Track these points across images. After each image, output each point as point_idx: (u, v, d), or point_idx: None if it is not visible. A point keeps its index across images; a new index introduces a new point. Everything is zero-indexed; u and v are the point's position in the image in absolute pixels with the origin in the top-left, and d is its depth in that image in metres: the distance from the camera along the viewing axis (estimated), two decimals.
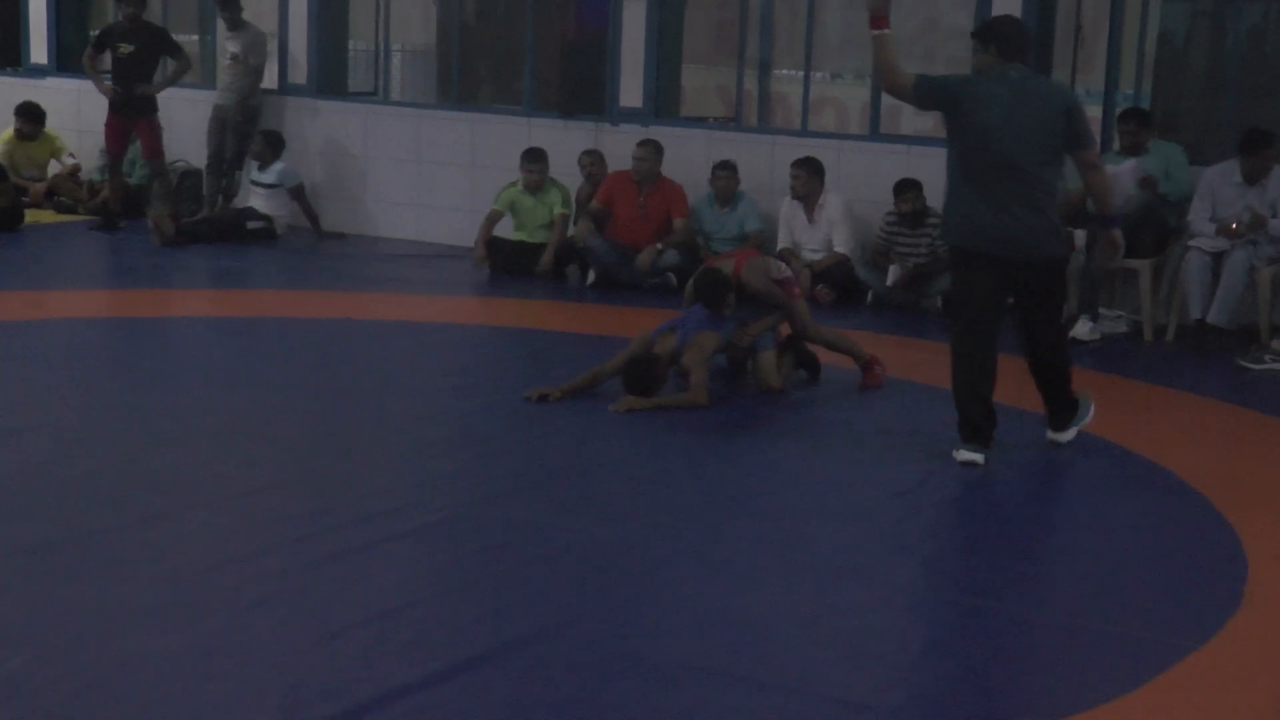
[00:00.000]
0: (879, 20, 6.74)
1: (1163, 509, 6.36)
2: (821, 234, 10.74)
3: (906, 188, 10.35)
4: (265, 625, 4.76)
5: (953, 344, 6.93)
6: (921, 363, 8.74)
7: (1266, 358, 8.86)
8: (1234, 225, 9.35)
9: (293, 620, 4.81)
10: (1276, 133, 9.53)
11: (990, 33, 6.96)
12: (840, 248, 10.62)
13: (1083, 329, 9.58)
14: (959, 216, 6.85)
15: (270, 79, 12.95)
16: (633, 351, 7.75)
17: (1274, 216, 9.43)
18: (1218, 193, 9.56)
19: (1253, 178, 9.45)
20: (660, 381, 7.61)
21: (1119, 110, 10.27)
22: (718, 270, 8.03)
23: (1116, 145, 10.11)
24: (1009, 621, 5.04)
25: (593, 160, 11.46)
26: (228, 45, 12.69)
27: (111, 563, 5.25)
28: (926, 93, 6.88)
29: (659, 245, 10.82)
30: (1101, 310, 9.89)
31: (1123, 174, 9.41)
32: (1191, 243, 9.51)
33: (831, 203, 10.67)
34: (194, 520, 5.70)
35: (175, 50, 12.37)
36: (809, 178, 10.67)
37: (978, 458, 6.76)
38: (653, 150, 11.02)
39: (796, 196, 10.74)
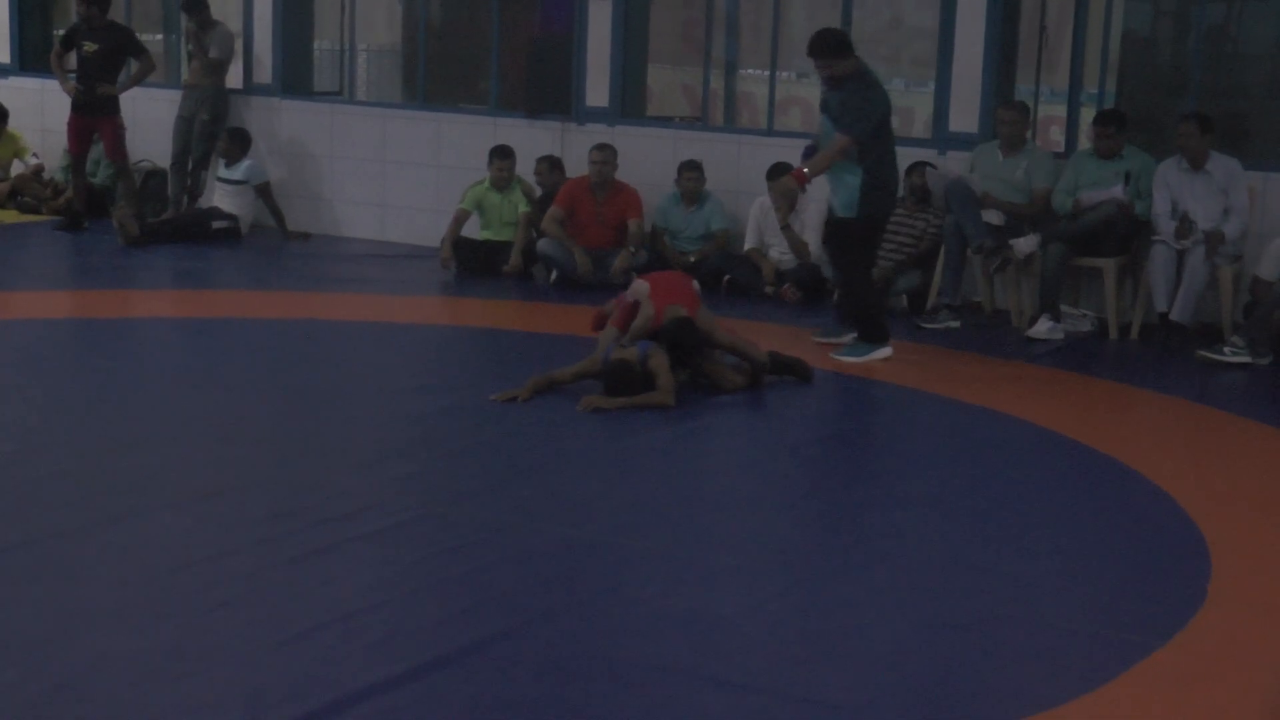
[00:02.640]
0: (801, 177, 8.69)
1: (1128, 507, 6.38)
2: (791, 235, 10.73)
3: (918, 164, 10.39)
4: (230, 627, 4.74)
5: (866, 282, 9.05)
6: (889, 363, 8.75)
7: (1227, 349, 8.91)
8: (1190, 237, 9.39)
9: (257, 622, 4.79)
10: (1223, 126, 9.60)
11: (847, 43, 8.72)
12: (813, 249, 10.62)
13: (1042, 327, 9.60)
14: (884, 190, 8.77)
15: (235, 78, 12.90)
16: (584, 369, 7.71)
17: (1226, 207, 9.48)
18: (1171, 184, 9.60)
19: (1196, 163, 9.48)
20: (639, 384, 7.58)
21: (1096, 112, 10.31)
22: (687, 320, 7.90)
23: (1089, 147, 10.15)
24: (974, 620, 5.04)
25: (549, 168, 11.48)
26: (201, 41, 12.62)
27: (74, 564, 5.22)
28: (873, 123, 8.59)
29: (631, 249, 10.82)
30: (1067, 309, 9.92)
31: (1107, 197, 9.59)
32: (1155, 238, 9.55)
33: (812, 210, 10.62)
34: (158, 522, 5.68)
35: (139, 51, 12.30)
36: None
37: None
38: (611, 154, 11.01)
39: (778, 208, 10.71)
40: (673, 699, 4.34)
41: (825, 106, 8.78)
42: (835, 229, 8.98)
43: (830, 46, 8.67)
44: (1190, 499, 6.38)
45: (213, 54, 12.55)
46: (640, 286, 8.24)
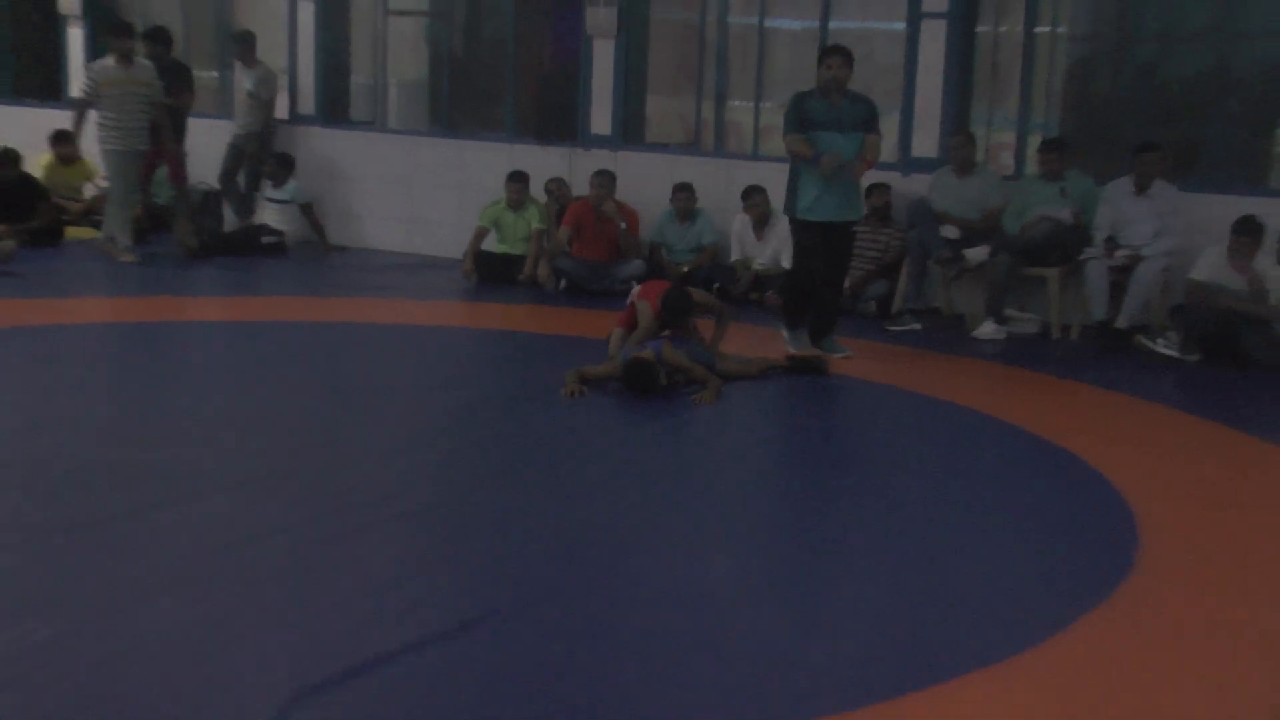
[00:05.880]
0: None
1: (1068, 488, 6.39)
2: (770, 248, 10.78)
3: (876, 186, 10.40)
4: (273, 597, 4.76)
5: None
6: (862, 361, 8.77)
7: (1160, 341, 8.97)
8: (1117, 253, 9.46)
9: (298, 593, 4.81)
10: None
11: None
12: (787, 264, 10.64)
13: (986, 329, 9.63)
14: None
15: (281, 109, 12.92)
16: (608, 372, 7.75)
17: (1160, 229, 9.51)
18: (1115, 204, 9.64)
19: (1140, 186, 9.53)
20: (657, 378, 7.59)
21: (1044, 139, 10.35)
22: (681, 291, 8.14)
23: (1035, 172, 10.17)
24: (936, 587, 5.06)
25: (559, 186, 11.55)
26: (243, 83, 12.67)
27: (134, 542, 5.23)
28: None
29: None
30: (1014, 313, 9.96)
31: (1062, 215, 9.61)
32: (1089, 254, 9.59)
33: (781, 224, 10.66)
34: (209, 504, 5.68)
35: (182, 88, 12.22)
36: (766, 201, 10.75)
37: None
38: (610, 180, 11.05)
39: (757, 220, 10.78)
40: (669, 664, 4.35)
41: (827, 122, 8.41)
42: (843, 232, 8.66)
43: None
44: (1122, 480, 6.40)
45: (264, 95, 12.57)
46: (636, 292, 8.36)
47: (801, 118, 8.43)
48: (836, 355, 8.61)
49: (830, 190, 8.40)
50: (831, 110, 8.40)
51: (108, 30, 11.86)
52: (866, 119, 8.43)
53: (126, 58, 11.45)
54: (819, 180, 8.37)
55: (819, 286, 8.67)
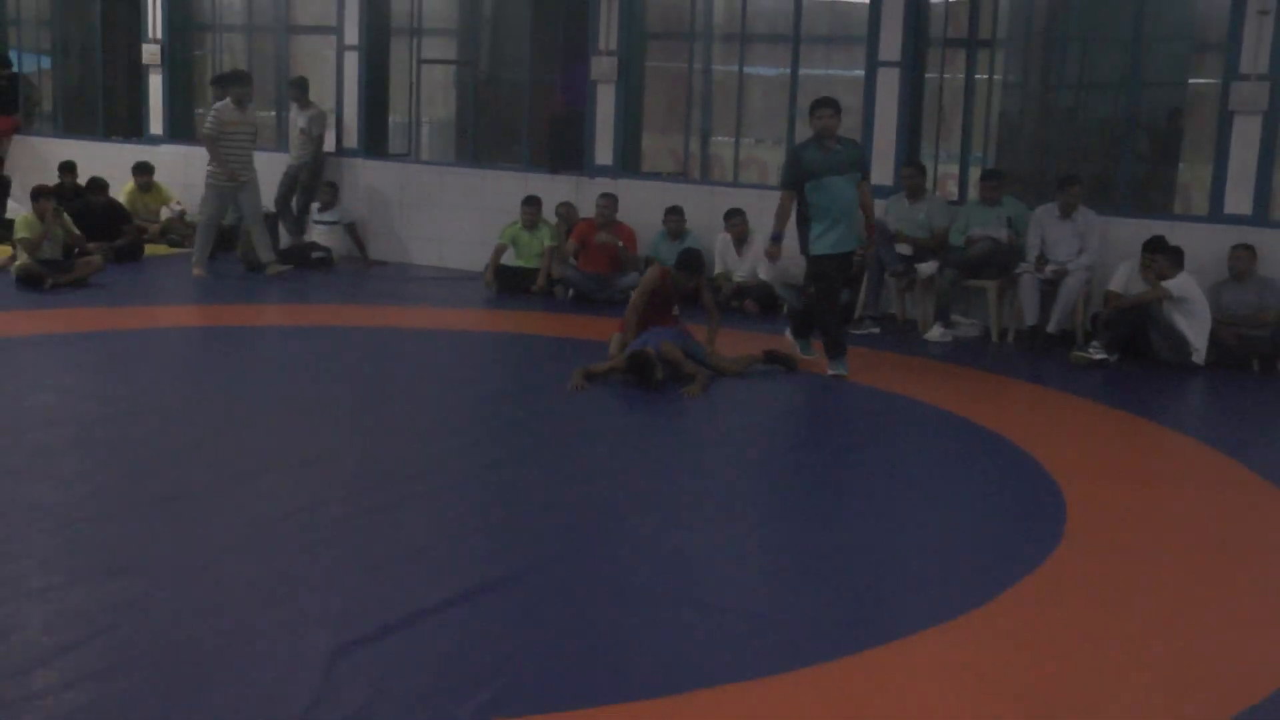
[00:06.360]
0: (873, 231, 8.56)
1: (1003, 469, 6.38)
2: (748, 264, 10.75)
3: None
4: (325, 560, 4.75)
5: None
6: (828, 361, 8.74)
7: (1091, 349, 8.92)
8: (1046, 268, 9.45)
9: (346, 556, 4.80)
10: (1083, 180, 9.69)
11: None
12: (764, 275, 10.63)
13: (935, 333, 9.61)
14: None
15: (329, 143, 12.87)
16: (613, 366, 7.74)
17: (1081, 248, 9.51)
18: (1044, 227, 9.63)
19: (1065, 212, 9.53)
20: (655, 370, 7.55)
21: (983, 170, 10.36)
22: (696, 251, 8.51)
23: (976, 198, 10.16)
24: (889, 554, 5.06)
25: (567, 209, 11.53)
26: (297, 121, 12.62)
27: (208, 512, 5.22)
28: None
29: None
30: (958, 318, 9.93)
31: (999, 235, 9.69)
32: (1022, 269, 9.59)
33: (758, 241, 10.65)
34: (269, 480, 5.68)
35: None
36: (744, 222, 10.73)
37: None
38: (613, 201, 11.03)
39: (737, 238, 10.76)
40: (661, 616, 4.34)
41: (826, 168, 7.98)
42: (845, 259, 8.26)
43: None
44: (1052, 464, 6.38)
45: (315, 132, 12.52)
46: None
47: (801, 170, 8.04)
48: (809, 356, 8.54)
49: (836, 228, 8.07)
50: (827, 157, 8.01)
51: (231, 78, 11.76)
52: (856, 157, 8.15)
53: (242, 102, 11.40)
54: (827, 220, 8.05)
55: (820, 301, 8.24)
